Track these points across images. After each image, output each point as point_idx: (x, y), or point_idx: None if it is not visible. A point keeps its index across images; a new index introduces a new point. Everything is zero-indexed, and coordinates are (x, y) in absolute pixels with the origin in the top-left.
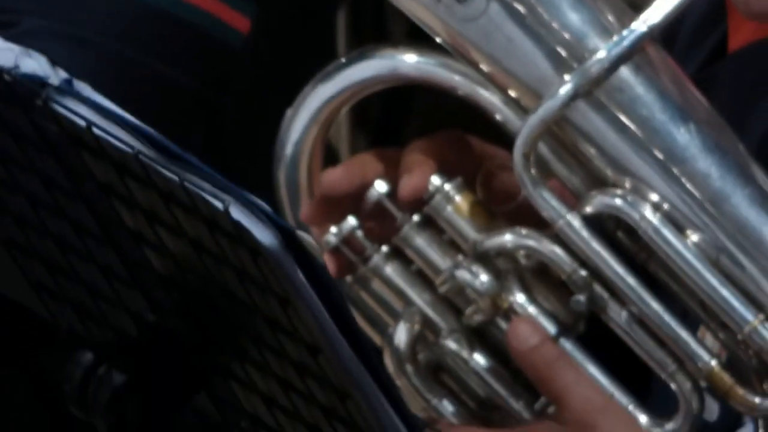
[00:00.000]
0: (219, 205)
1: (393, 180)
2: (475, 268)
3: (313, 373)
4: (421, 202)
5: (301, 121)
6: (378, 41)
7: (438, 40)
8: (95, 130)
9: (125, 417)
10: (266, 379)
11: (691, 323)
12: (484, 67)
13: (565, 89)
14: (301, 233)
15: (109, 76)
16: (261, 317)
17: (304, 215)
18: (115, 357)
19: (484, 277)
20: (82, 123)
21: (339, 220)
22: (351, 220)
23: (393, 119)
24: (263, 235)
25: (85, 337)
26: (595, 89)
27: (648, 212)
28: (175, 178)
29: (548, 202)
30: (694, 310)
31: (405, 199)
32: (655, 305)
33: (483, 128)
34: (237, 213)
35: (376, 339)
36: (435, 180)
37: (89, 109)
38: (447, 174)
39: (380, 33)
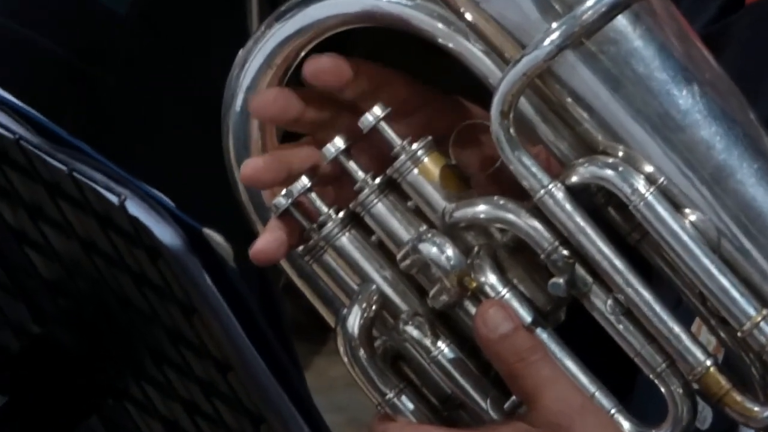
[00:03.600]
0: (114, 198)
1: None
2: (441, 241)
3: (221, 393)
4: (385, 162)
5: (254, 65)
6: None
7: None
8: None
9: None
10: (167, 401)
11: (685, 315)
12: (463, 10)
13: (551, 38)
14: (208, 231)
15: None
16: (162, 329)
17: (250, 170)
18: None
19: (451, 252)
20: None
21: (291, 181)
22: (304, 180)
23: None
24: (165, 233)
25: None
26: (586, 40)
27: (641, 186)
28: (63, 167)
29: (528, 169)
30: (690, 300)
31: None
32: (646, 293)
33: None
34: (134, 208)
35: (330, 320)
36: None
37: None
38: (402, 121)
39: None
